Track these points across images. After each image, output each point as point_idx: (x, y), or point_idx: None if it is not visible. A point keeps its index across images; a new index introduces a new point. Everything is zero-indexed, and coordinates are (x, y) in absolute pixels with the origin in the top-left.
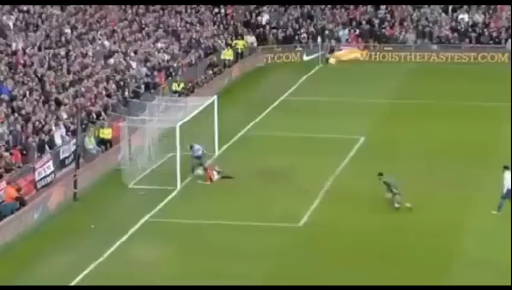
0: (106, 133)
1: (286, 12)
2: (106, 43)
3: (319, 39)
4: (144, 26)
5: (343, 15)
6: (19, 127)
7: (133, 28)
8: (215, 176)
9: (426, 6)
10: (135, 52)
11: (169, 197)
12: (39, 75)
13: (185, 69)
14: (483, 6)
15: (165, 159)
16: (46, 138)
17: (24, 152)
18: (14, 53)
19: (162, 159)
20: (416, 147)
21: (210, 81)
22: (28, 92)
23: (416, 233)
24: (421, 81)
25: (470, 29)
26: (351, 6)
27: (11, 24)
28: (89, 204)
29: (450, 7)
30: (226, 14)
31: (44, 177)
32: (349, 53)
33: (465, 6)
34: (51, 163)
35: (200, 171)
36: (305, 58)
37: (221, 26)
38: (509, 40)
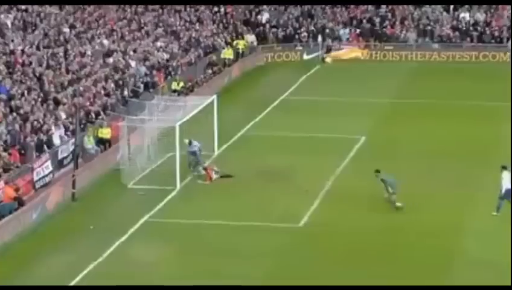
0: (105, 133)
1: (286, 11)
2: (105, 42)
3: (320, 38)
4: (143, 25)
5: (343, 14)
6: (17, 126)
7: (132, 27)
8: (214, 176)
9: (427, 5)
10: (134, 51)
11: (169, 197)
12: (37, 75)
13: (185, 68)
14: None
15: (164, 159)
16: (45, 138)
17: (22, 152)
18: (12, 52)
19: (162, 158)
20: (417, 147)
21: (209, 80)
22: (26, 92)
23: (416, 233)
24: (422, 80)
25: (471, 28)
26: (352, 5)
27: (9, 23)
28: (88, 204)
29: (452, 6)
30: (225, 13)
31: (43, 177)
32: (349, 52)
33: (467, 5)
34: (49, 163)
35: (201, 170)
36: (306, 57)
37: (221, 25)
38: (511, 39)
